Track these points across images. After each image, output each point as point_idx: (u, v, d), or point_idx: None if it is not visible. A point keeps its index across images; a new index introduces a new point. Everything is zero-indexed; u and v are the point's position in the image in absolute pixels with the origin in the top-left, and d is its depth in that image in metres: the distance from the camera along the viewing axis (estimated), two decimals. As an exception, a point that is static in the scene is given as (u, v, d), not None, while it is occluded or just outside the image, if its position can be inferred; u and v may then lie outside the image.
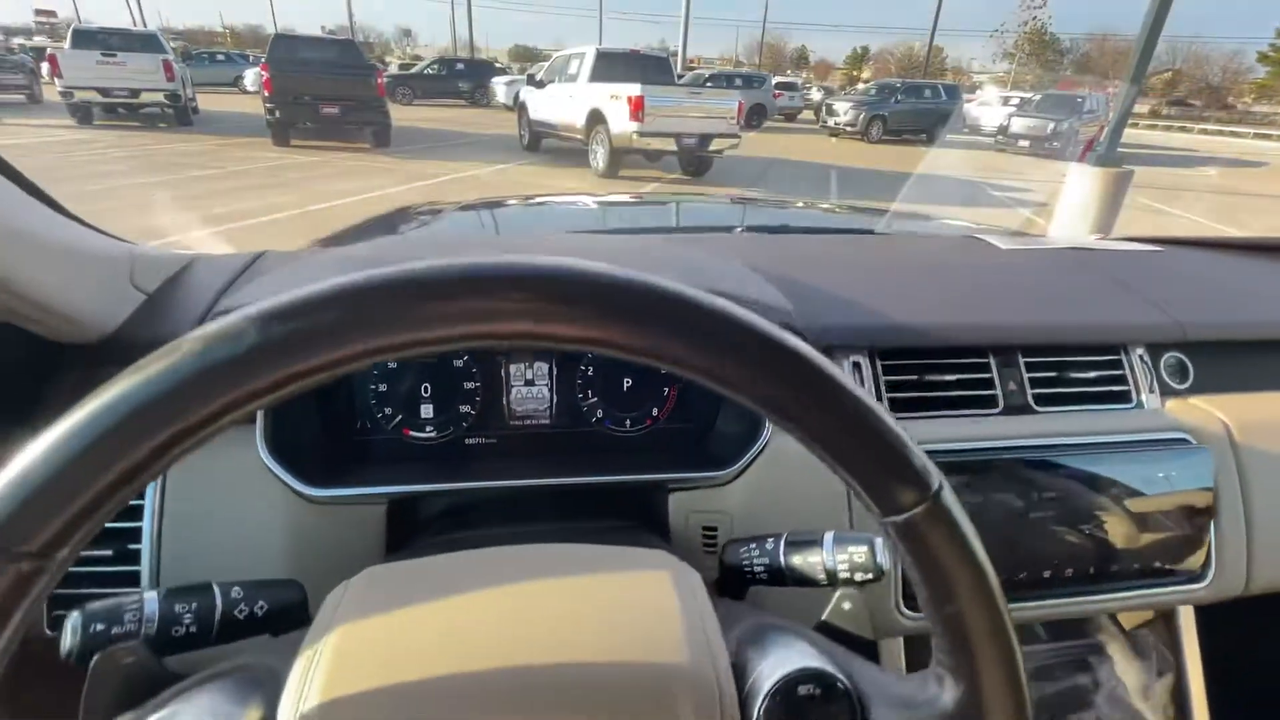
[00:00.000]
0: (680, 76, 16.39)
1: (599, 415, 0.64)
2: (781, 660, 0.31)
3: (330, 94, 9.11)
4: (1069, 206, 6.20)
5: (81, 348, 0.55)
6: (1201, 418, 0.67)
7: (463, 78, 21.85)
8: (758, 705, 0.29)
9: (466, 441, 0.62)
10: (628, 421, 0.64)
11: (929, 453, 0.59)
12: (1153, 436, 0.64)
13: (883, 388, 0.65)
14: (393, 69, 23.83)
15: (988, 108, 20.75)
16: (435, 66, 22.46)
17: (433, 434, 0.62)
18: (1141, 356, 0.71)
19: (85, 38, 10.66)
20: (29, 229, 0.49)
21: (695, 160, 8.86)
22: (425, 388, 0.61)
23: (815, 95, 26.65)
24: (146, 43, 11.02)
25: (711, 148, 8.51)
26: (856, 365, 0.65)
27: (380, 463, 0.58)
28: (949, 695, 0.29)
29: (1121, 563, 0.62)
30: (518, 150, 10.58)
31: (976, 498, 0.60)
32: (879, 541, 0.44)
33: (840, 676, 0.31)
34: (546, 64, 10.59)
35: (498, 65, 27.62)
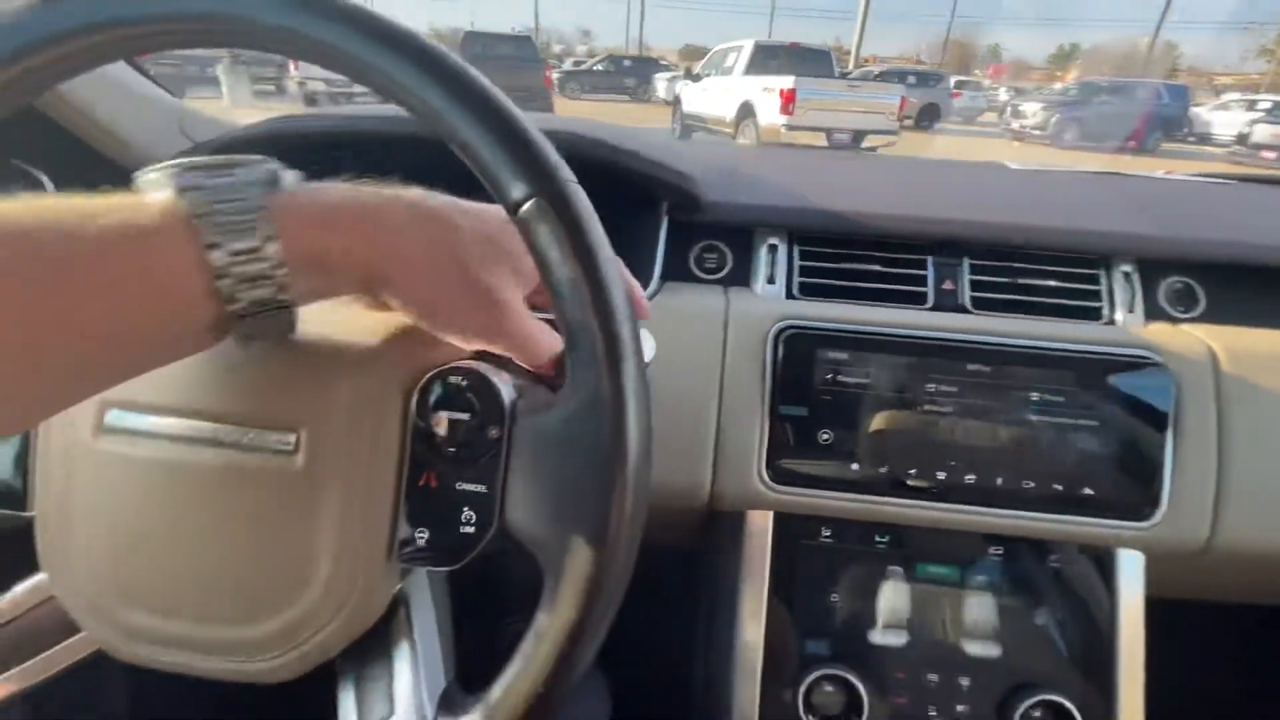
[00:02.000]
0: (848, 73, 15.73)
1: None
2: (454, 361, 0.36)
3: (503, 84, 9.80)
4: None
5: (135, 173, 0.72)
6: (1183, 341, 0.57)
7: (628, 74, 22.77)
8: (415, 387, 0.35)
9: None
10: None
11: (832, 330, 0.58)
12: (1105, 350, 0.57)
13: (795, 271, 0.64)
14: (567, 66, 25.41)
15: (1223, 112, 17.47)
16: (604, 64, 23.59)
17: None
18: (1127, 274, 0.62)
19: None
20: (108, 71, 0.66)
21: (845, 157, 8.50)
22: None
23: (1003, 96, 24.13)
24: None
25: (865, 144, 8.11)
26: (773, 247, 0.65)
27: None
28: (568, 403, 0.31)
29: (1044, 482, 0.55)
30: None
31: (877, 386, 0.58)
32: None
33: (488, 372, 0.34)
34: (705, 58, 10.71)
35: (663, 63, 28.31)
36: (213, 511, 0.34)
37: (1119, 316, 0.62)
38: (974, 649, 0.58)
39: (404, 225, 0.33)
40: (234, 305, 0.29)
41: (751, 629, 0.60)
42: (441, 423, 0.34)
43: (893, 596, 0.59)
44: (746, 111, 8.37)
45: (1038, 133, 14.76)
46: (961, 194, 0.72)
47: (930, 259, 0.64)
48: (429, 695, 0.36)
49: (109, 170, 0.72)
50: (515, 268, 0.36)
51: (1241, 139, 13.35)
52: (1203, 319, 0.63)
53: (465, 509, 0.34)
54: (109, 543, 0.36)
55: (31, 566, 0.37)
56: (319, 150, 0.66)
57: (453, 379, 0.34)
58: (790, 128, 7.74)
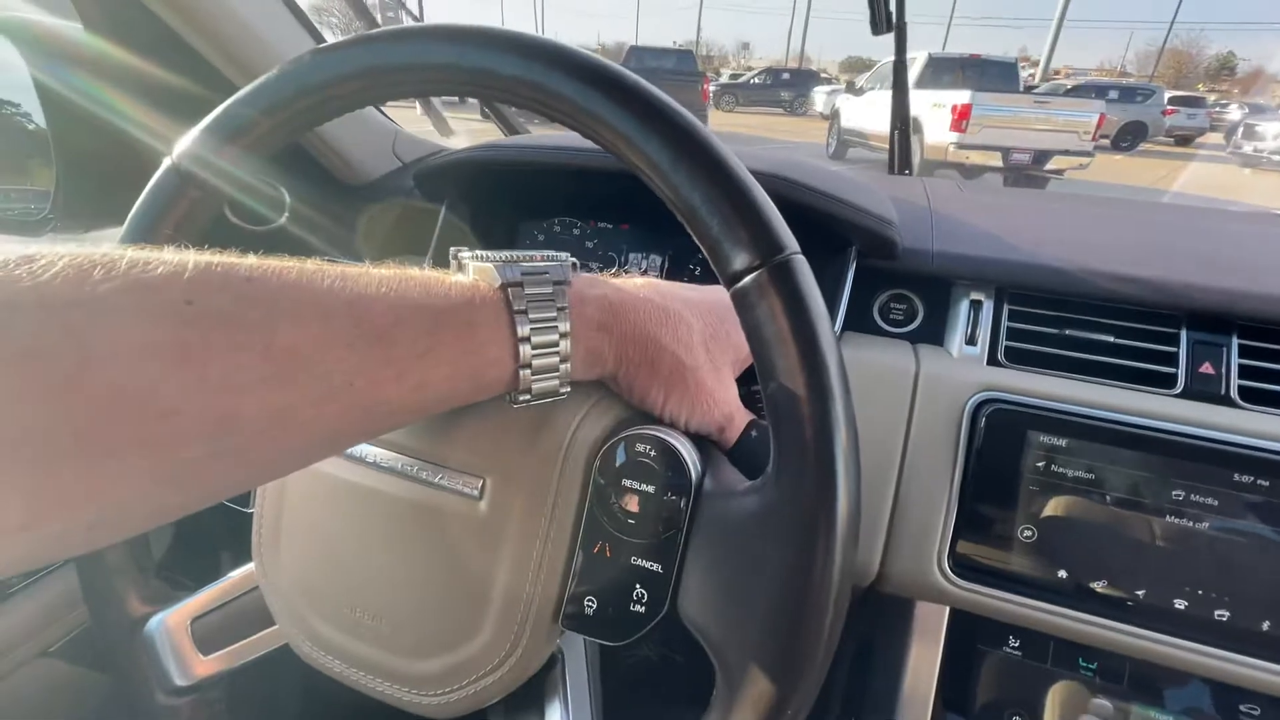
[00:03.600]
0: (1034, 87, 14.20)
1: None
2: (641, 427, 0.33)
3: (662, 97, 10.34)
4: None
5: (353, 188, 0.80)
6: None
7: (785, 87, 22.37)
8: (599, 451, 0.33)
9: None
10: None
11: (1049, 410, 0.50)
12: None
13: (1003, 333, 0.55)
14: (723, 78, 25.50)
15: None
16: (761, 76, 23.36)
17: None
18: None
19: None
20: None
21: (1023, 180, 7.66)
22: None
23: (1234, 114, 20.46)
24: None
25: (1050, 166, 7.29)
26: (976, 303, 0.56)
27: None
28: (767, 493, 0.28)
29: None
30: (822, 158, 10.46)
31: (1104, 484, 0.48)
32: None
33: (676, 443, 0.31)
34: (869, 71, 10.22)
35: (823, 76, 27.48)
36: (398, 542, 0.35)
37: None
38: None
39: (651, 326, 0.34)
40: (524, 395, 0.31)
41: None
42: (629, 499, 0.32)
43: None
44: (912, 128, 7.85)
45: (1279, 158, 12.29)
46: (1226, 251, 0.59)
47: (1185, 333, 0.53)
48: None
49: (333, 184, 0.81)
50: (736, 357, 0.37)
51: None
52: None
53: (637, 586, 0.32)
54: (307, 552, 0.38)
55: (249, 555, 0.41)
56: (521, 177, 0.68)
57: (639, 445, 0.32)
58: (960, 146, 7.15)
